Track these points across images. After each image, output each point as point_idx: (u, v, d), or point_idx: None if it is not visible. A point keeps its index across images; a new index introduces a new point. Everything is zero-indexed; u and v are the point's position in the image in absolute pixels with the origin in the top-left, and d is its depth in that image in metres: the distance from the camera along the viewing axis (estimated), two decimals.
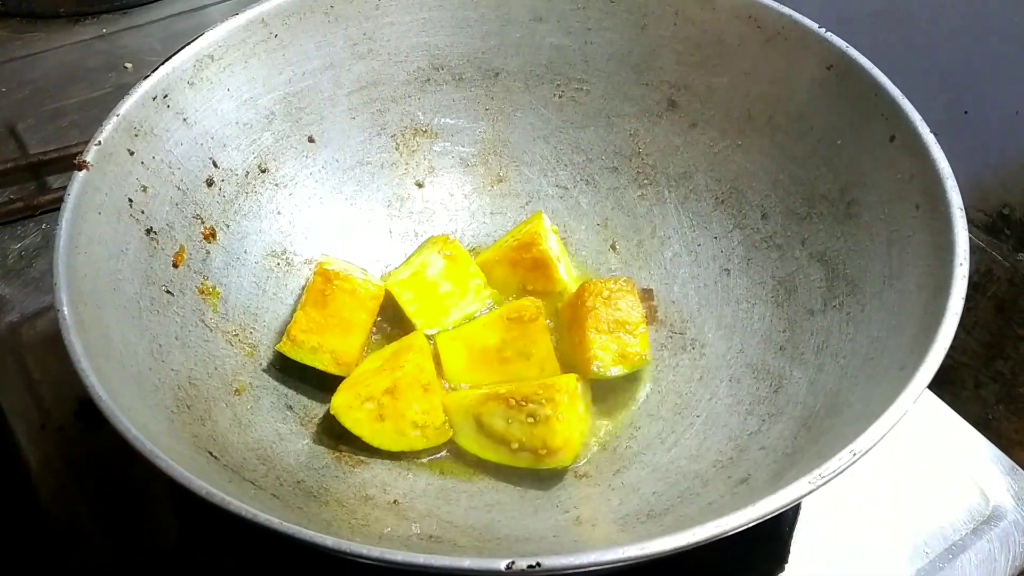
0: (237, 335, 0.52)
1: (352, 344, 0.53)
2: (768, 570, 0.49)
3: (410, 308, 0.56)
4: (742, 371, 0.51)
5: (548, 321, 0.55)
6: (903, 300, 0.44)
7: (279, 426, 0.49)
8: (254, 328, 0.53)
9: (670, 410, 0.52)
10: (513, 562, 0.31)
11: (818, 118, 0.52)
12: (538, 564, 0.31)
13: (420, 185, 0.62)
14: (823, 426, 0.43)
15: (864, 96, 0.49)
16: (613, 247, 0.60)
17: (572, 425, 0.48)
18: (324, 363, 0.52)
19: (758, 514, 0.33)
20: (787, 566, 0.50)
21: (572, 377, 0.50)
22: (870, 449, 0.35)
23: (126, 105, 0.49)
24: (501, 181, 0.63)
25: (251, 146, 0.56)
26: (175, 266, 0.50)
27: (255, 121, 0.56)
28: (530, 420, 0.48)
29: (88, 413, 0.56)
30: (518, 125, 0.62)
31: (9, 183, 0.71)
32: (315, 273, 0.54)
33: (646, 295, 0.57)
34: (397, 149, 0.62)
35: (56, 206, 0.62)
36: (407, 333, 0.55)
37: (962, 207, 0.43)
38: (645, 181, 0.60)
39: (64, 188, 0.45)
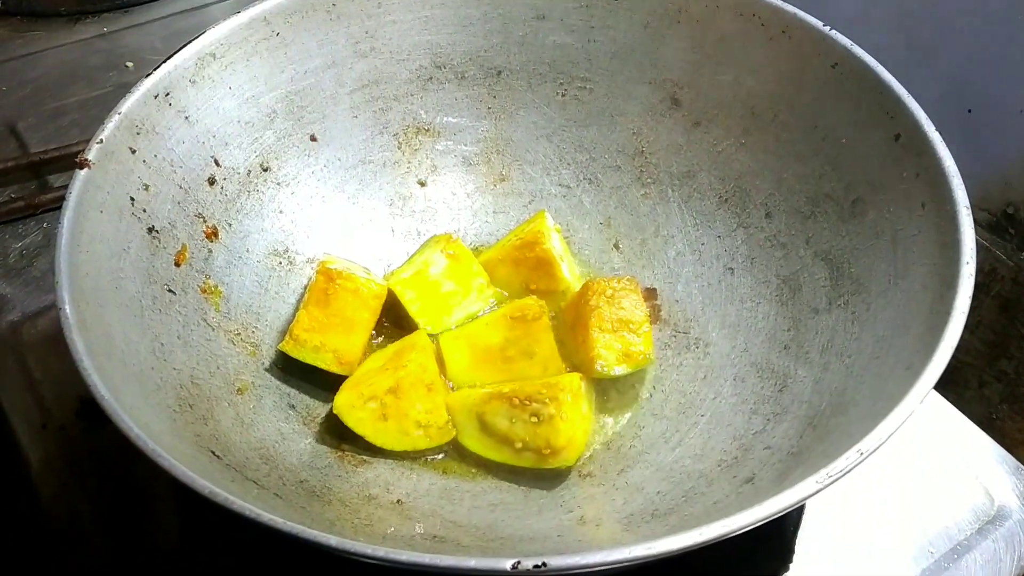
0: (239, 334, 0.52)
1: (355, 343, 0.53)
2: (772, 570, 0.49)
3: (413, 307, 0.55)
4: (746, 370, 0.51)
5: (552, 315, 0.55)
6: (909, 299, 0.43)
7: (282, 425, 0.49)
8: (256, 327, 0.53)
9: (674, 409, 0.51)
10: (519, 562, 0.31)
11: (823, 116, 0.52)
12: (544, 564, 0.31)
13: (422, 184, 0.62)
14: (829, 425, 0.42)
15: (869, 94, 0.49)
16: (616, 246, 0.60)
17: (576, 424, 0.48)
18: (327, 362, 0.52)
19: (765, 513, 0.33)
20: (791, 566, 0.50)
21: (576, 376, 0.50)
22: (877, 448, 0.35)
23: (128, 103, 0.48)
24: (504, 180, 0.63)
25: (253, 144, 0.56)
26: (177, 265, 0.50)
27: (257, 119, 0.56)
28: (534, 419, 0.48)
29: (89, 412, 0.56)
30: (521, 124, 0.62)
31: (10, 182, 0.71)
32: (317, 272, 0.54)
33: (649, 294, 0.57)
34: (399, 148, 0.61)
35: (57, 205, 0.62)
36: (410, 332, 0.55)
37: (968, 205, 0.43)
38: (648, 180, 0.60)
39: (65, 187, 0.45)
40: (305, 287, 0.56)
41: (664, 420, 0.51)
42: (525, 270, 0.57)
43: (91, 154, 0.45)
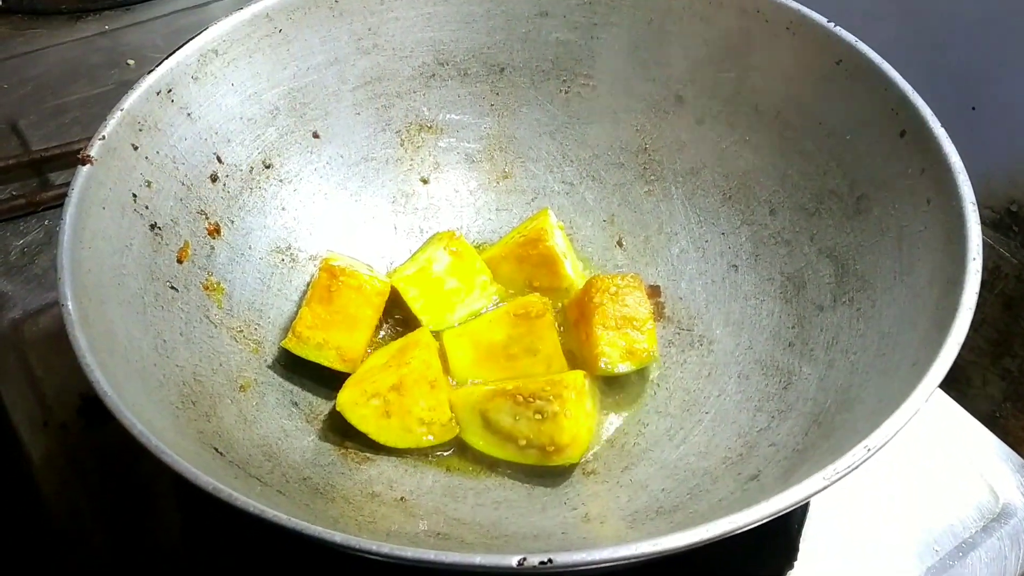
0: (242, 331, 0.52)
1: (358, 340, 0.53)
2: (778, 567, 0.49)
3: (416, 304, 0.55)
4: (751, 368, 0.51)
5: (555, 312, 0.55)
6: (915, 296, 0.43)
7: (284, 423, 0.49)
8: (259, 324, 0.53)
9: (678, 407, 0.51)
10: (525, 558, 0.31)
11: (827, 113, 0.52)
12: (550, 560, 0.31)
13: (425, 181, 0.62)
14: (835, 422, 0.42)
15: (874, 91, 0.49)
16: (619, 243, 0.60)
17: (580, 422, 0.48)
18: (330, 359, 0.52)
19: (773, 509, 0.32)
20: (796, 564, 0.49)
21: (580, 373, 0.50)
22: (884, 444, 0.35)
23: (130, 99, 0.48)
24: (507, 177, 0.63)
25: (255, 141, 0.55)
26: (179, 262, 0.49)
27: (259, 116, 0.56)
28: (537, 417, 0.48)
29: (91, 410, 0.56)
30: (524, 121, 0.62)
31: (11, 179, 0.71)
32: (321, 269, 0.54)
33: (653, 291, 0.57)
34: (402, 145, 0.61)
35: (58, 203, 0.62)
36: (413, 330, 0.54)
37: (974, 201, 0.42)
38: (652, 177, 0.60)
39: (66, 185, 0.45)
40: (308, 284, 0.56)
41: (668, 417, 0.51)
42: (528, 267, 0.57)
43: (93, 150, 0.45)
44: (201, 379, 0.46)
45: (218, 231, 0.53)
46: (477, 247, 0.60)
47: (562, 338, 0.54)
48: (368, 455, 0.49)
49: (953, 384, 0.38)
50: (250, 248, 0.54)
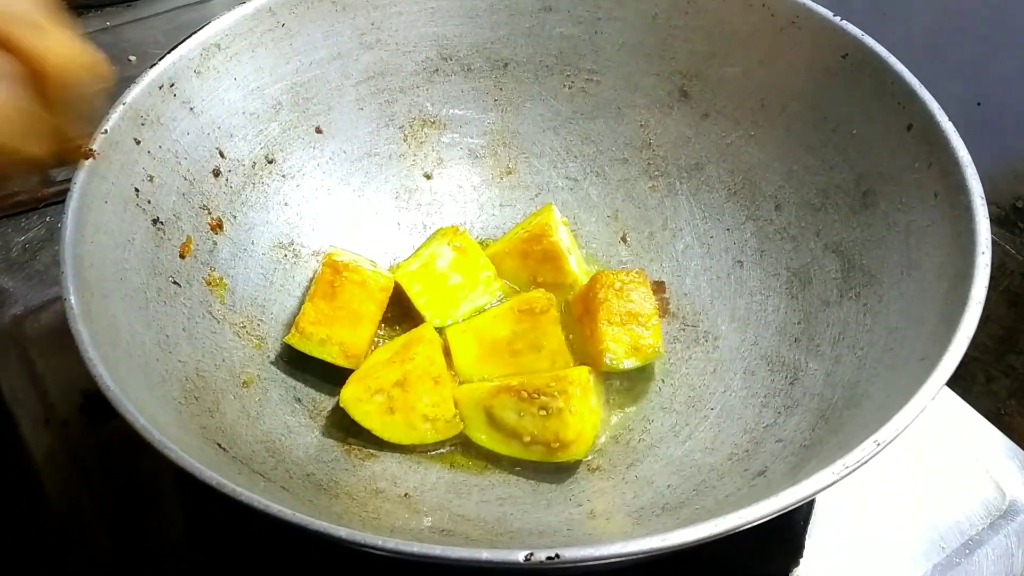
0: (245, 327, 0.51)
1: (361, 336, 0.53)
2: (783, 564, 0.49)
3: (420, 300, 0.55)
4: (756, 363, 0.51)
5: (561, 307, 0.55)
6: (922, 290, 0.43)
7: (288, 419, 0.49)
8: (262, 320, 0.53)
9: (683, 403, 0.51)
10: (532, 554, 0.31)
11: (833, 108, 0.51)
12: (557, 556, 0.31)
13: (428, 177, 0.62)
14: (842, 418, 0.42)
15: (880, 85, 0.48)
16: (624, 239, 0.60)
17: (585, 418, 0.48)
18: (333, 355, 0.51)
19: (782, 504, 0.32)
20: (802, 561, 0.49)
21: (584, 369, 0.50)
22: (894, 439, 0.34)
23: (133, 93, 0.48)
24: (510, 173, 0.62)
25: (258, 136, 0.55)
26: (182, 257, 0.49)
27: (262, 111, 0.55)
28: (542, 413, 0.48)
29: (92, 407, 0.55)
30: (527, 116, 0.62)
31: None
32: (324, 264, 0.54)
33: (658, 287, 0.56)
34: (405, 140, 0.61)
35: (60, 199, 0.61)
36: (416, 326, 0.54)
37: (983, 195, 0.42)
38: (656, 172, 0.59)
39: (68, 181, 0.44)
40: (311, 280, 0.55)
41: (673, 414, 0.51)
42: (532, 263, 0.57)
43: (96, 144, 0.45)
44: (204, 375, 0.46)
45: (220, 226, 0.52)
46: (481, 243, 0.60)
47: (567, 334, 0.54)
48: (372, 451, 0.49)
49: (958, 381, 0.38)
50: (253, 243, 0.54)
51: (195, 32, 0.51)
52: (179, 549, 0.50)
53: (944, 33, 0.74)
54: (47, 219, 0.67)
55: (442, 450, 0.50)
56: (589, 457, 0.49)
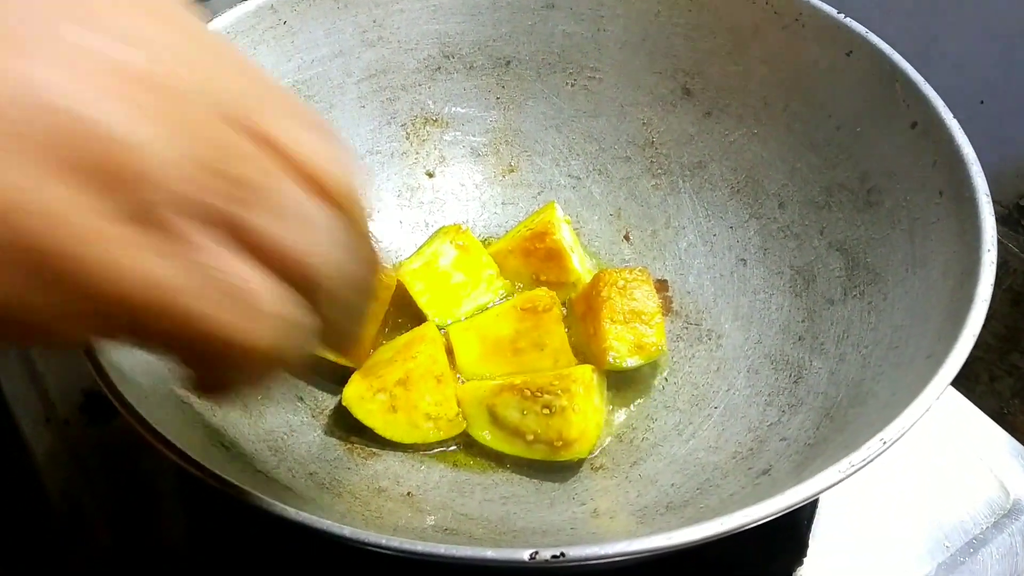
0: None
1: (363, 335, 0.52)
2: (787, 563, 0.49)
3: (422, 299, 0.55)
4: (760, 362, 0.50)
5: (563, 305, 0.55)
6: (927, 288, 0.43)
7: (290, 417, 0.48)
8: None
9: (687, 401, 0.51)
10: (537, 552, 0.30)
11: (837, 105, 0.51)
12: (562, 554, 0.30)
13: (430, 175, 0.62)
14: (847, 416, 0.42)
15: (884, 82, 0.48)
16: (627, 237, 0.59)
17: (588, 416, 0.48)
18: (335, 354, 0.51)
19: (788, 503, 0.32)
20: (806, 560, 0.49)
21: (588, 368, 0.50)
22: (900, 437, 0.34)
23: None
24: (513, 171, 0.62)
25: None
26: None
27: None
28: (545, 411, 0.47)
29: (93, 406, 0.55)
30: (530, 114, 0.61)
31: None
32: None
33: (661, 286, 0.56)
34: (407, 138, 0.61)
35: None
36: (419, 324, 0.54)
37: (988, 193, 0.42)
38: (659, 171, 0.59)
39: None
40: None
41: (677, 412, 0.51)
42: (535, 261, 0.57)
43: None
44: None
45: None
46: (483, 241, 0.60)
47: (569, 332, 0.54)
48: (374, 450, 0.49)
49: (961, 380, 0.38)
50: None
51: None
52: (180, 548, 0.50)
53: (947, 30, 0.74)
54: None
55: (445, 449, 0.50)
56: (592, 456, 0.49)
